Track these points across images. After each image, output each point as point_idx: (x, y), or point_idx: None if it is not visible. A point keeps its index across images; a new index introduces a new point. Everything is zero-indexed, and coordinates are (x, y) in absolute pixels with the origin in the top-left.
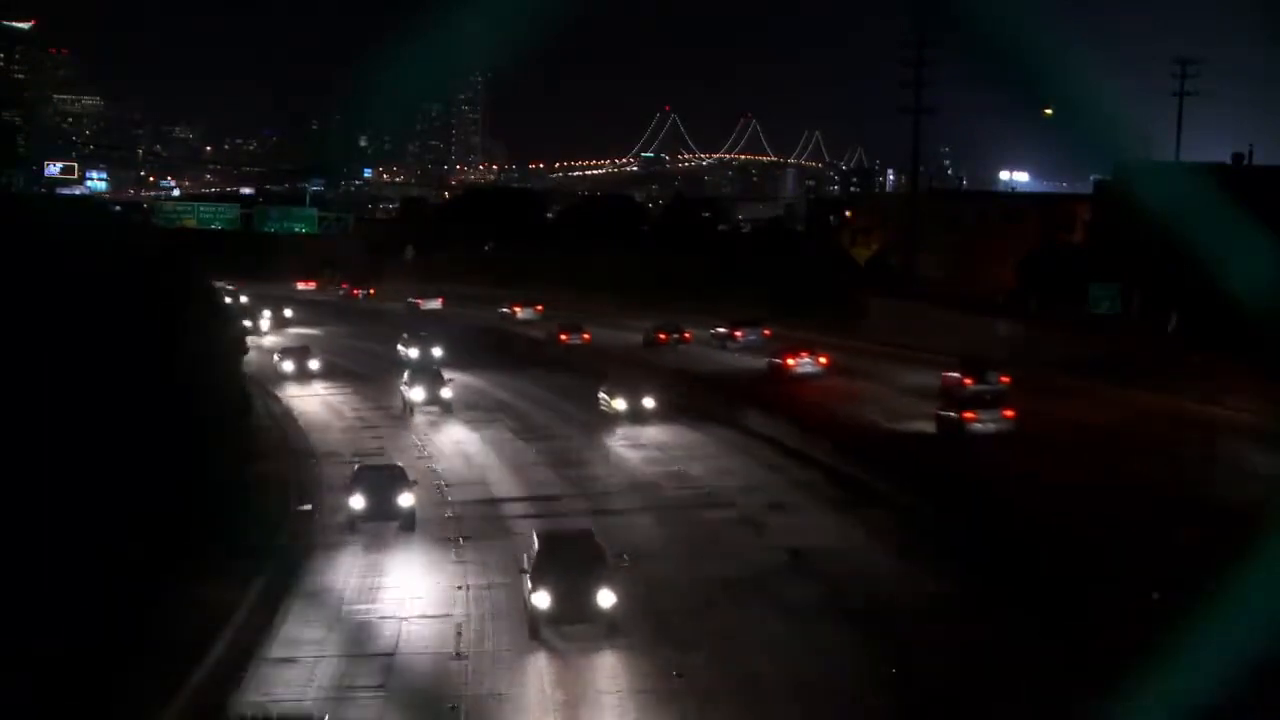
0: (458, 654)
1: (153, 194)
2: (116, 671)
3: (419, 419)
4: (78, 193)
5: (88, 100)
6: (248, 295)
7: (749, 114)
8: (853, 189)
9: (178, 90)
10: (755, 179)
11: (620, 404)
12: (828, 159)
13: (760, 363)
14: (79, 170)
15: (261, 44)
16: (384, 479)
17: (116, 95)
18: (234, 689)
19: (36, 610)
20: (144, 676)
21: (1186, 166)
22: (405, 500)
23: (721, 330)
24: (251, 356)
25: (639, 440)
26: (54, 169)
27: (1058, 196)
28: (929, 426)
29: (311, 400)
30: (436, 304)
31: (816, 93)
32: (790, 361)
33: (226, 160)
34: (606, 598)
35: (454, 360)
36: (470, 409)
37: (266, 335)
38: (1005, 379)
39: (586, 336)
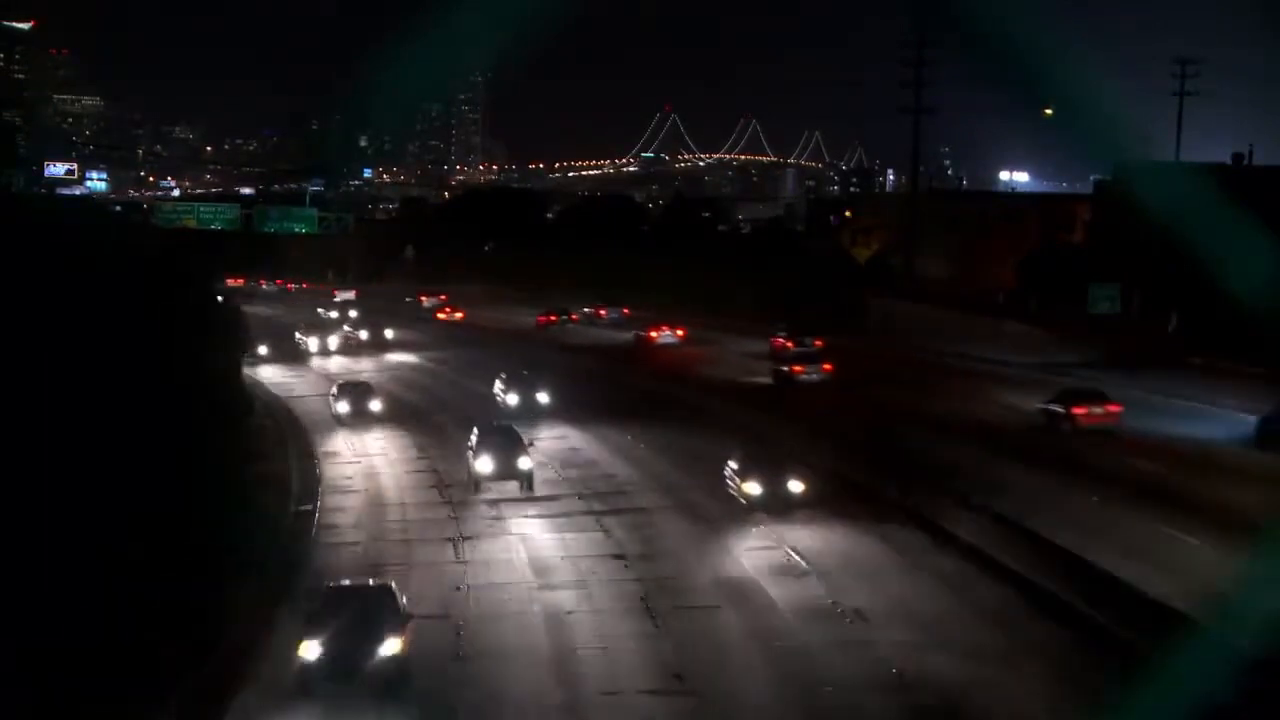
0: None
1: (153, 194)
2: (116, 671)
3: (484, 502)
4: (78, 193)
5: (88, 100)
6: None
7: (749, 114)
8: (853, 189)
9: (178, 90)
10: (755, 179)
11: (754, 489)
12: (828, 159)
13: (625, 335)
14: (79, 170)
15: (261, 44)
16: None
17: (116, 95)
18: (236, 689)
19: (37, 610)
20: (144, 677)
21: (1186, 166)
22: None
23: (587, 310)
24: (302, 387)
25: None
26: (54, 169)
27: (1058, 196)
28: (767, 379)
29: (352, 465)
30: (458, 316)
31: (816, 93)
32: (653, 334)
33: (226, 160)
34: None
35: (561, 408)
36: (559, 483)
37: (333, 354)
38: (819, 342)
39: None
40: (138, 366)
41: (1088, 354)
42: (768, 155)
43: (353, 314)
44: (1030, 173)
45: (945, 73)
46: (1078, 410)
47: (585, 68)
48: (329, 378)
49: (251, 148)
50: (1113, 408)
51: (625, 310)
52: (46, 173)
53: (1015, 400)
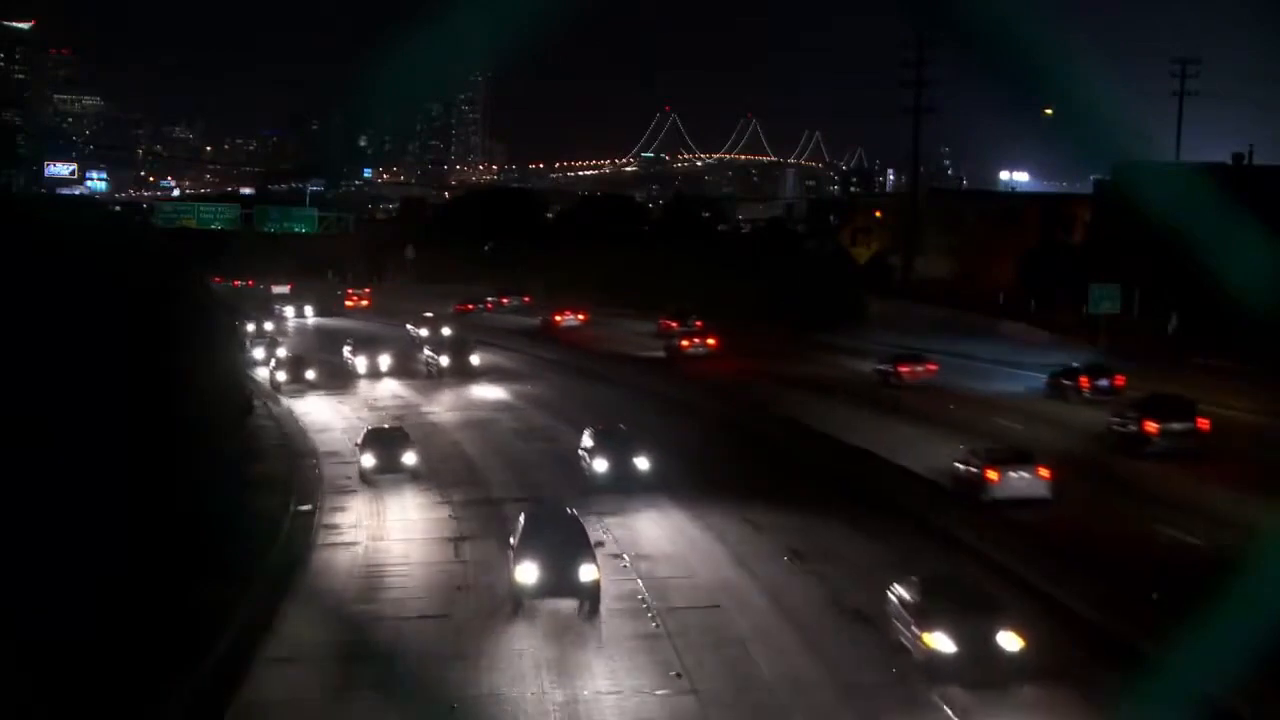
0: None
1: (153, 194)
2: (116, 671)
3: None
4: (78, 193)
5: (88, 100)
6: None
7: (749, 114)
8: (853, 189)
9: (178, 90)
10: (755, 179)
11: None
12: (828, 159)
13: (531, 320)
14: (79, 170)
15: (262, 44)
16: None
17: (116, 95)
18: (234, 689)
19: (37, 610)
20: (144, 676)
21: (1186, 166)
22: None
23: (491, 299)
24: (335, 419)
25: None
26: (55, 169)
27: (1058, 196)
28: (660, 353)
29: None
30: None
31: (816, 93)
32: (558, 318)
33: (226, 160)
34: None
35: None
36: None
37: (385, 376)
38: (699, 323)
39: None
40: (137, 366)
41: (1087, 354)
42: (768, 155)
43: (445, 332)
44: (1030, 173)
45: (945, 73)
46: (903, 369)
47: (585, 68)
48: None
49: (251, 148)
50: (931, 367)
51: (526, 299)
52: (46, 173)
53: (862, 366)
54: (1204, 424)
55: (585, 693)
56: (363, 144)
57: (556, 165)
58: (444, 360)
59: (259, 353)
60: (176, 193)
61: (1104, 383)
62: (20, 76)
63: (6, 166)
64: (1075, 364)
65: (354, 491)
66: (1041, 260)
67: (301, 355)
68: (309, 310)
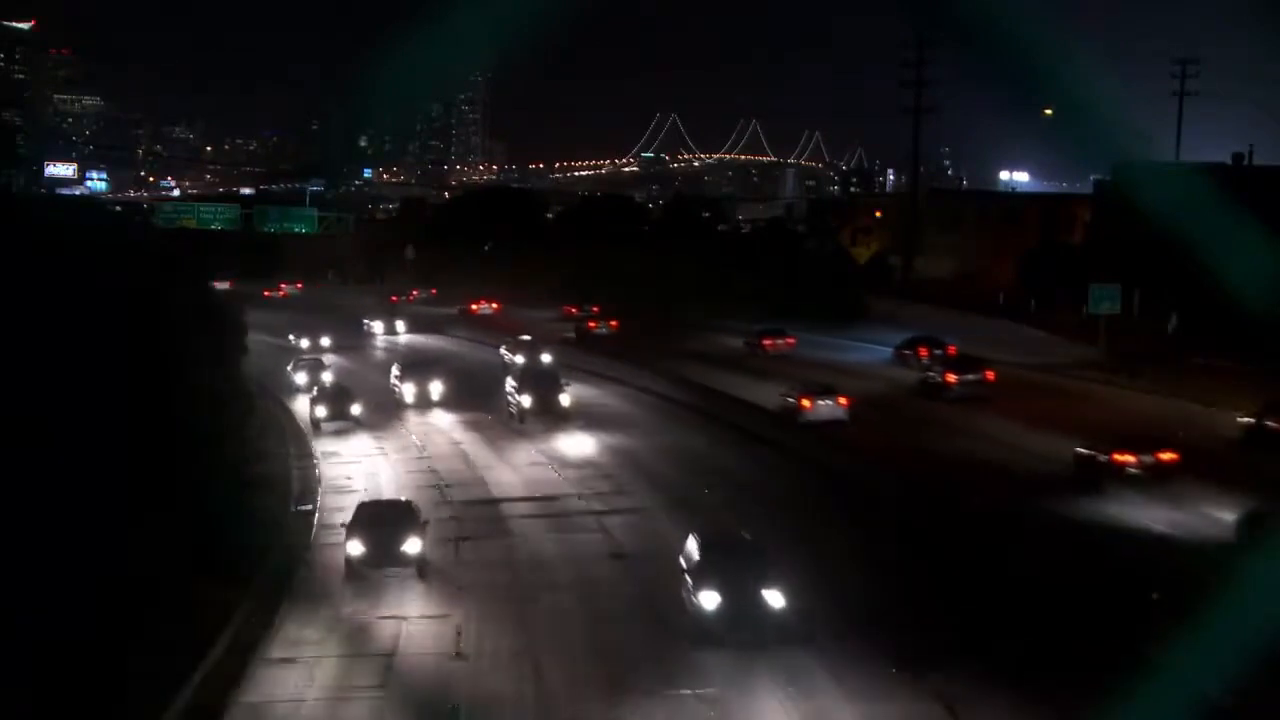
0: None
1: (153, 194)
2: (116, 671)
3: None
4: (78, 193)
5: (88, 100)
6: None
7: (749, 114)
8: (853, 189)
9: (178, 90)
10: (755, 179)
11: (527, 401)
12: (828, 159)
13: (447, 310)
14: (79, 170)
15: (262, 44)
16: None
17: (116, 95)
18: (234, 688)
19: (36, 611)
20: (144, 676)
21: (1186, 166)
22: None
23: (398, 297)
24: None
25: None
26: (55, 169)
27: (1058, 196)
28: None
29: None
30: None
31: (816, 93)
32: (474, 307)
33: (226, 160)
34: None
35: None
36: None
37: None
38: (595, 308)
39: None
40: (137, 367)
41: (1087, 353)
42: (768, 155)
43: (545, 359)
44: (1030, 173)
45: (945, 73)
46: (765, 341)
47: (585, 68)
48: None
49: (251, 148)
50: (790, 340)
51: (433, 290)
52: (46, 173)
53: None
54: (990, 376)
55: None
56: (363, 144)
57: (556, 165)
58: (525, 401)
59: (300, 377)
60: (176, 193)
61: (939, 352)
62: (20, 76)
63: (6, 166)
64: (915, 336)
65: (354, 491)
66: (1041, 260)
67: (346, 386)
68: (401, 326)
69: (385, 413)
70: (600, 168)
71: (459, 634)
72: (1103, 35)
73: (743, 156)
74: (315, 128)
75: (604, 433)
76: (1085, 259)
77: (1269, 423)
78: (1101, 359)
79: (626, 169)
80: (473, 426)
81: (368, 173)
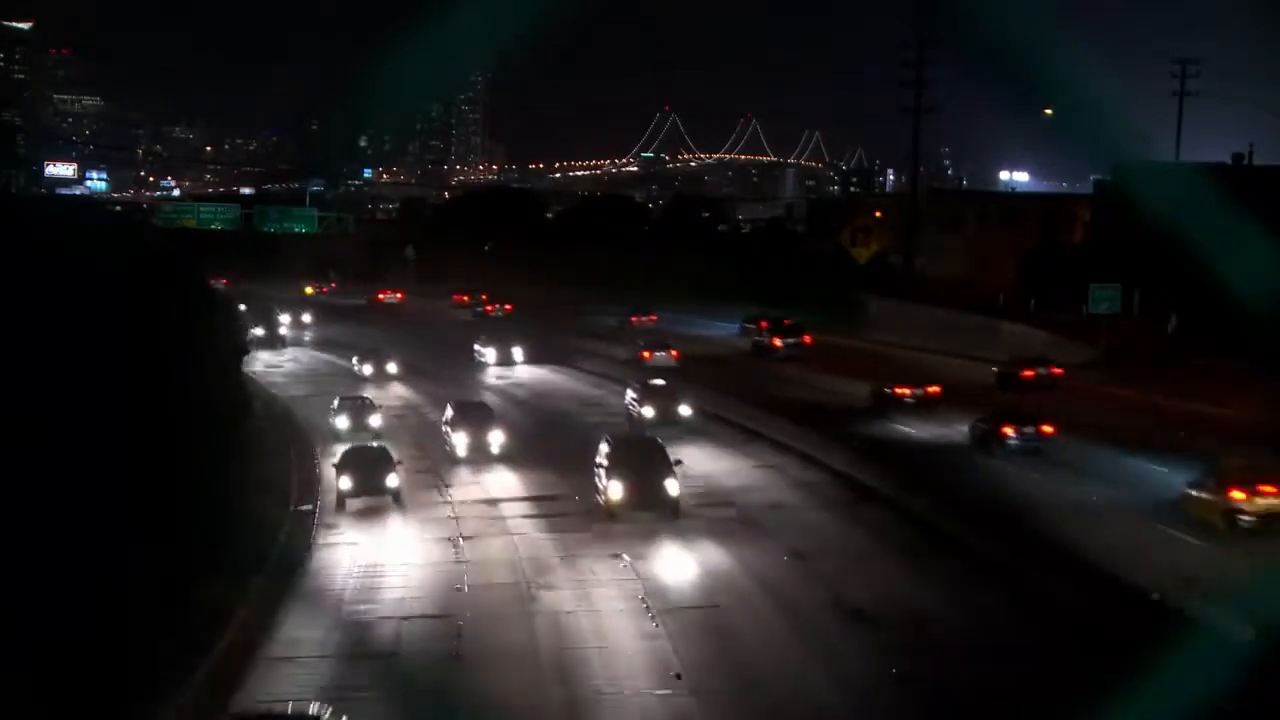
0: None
1: (153, 194)
2: (116, 671)
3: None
4: (78, 193)
5: (88, 100)
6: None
7: (749, 114)
8: (853, 189)
9: (178, 90)
10: (755, 179)
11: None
12: (828, 159)
13: (359, 300)
14: (79, 170)
15: (262, 44)
16: None
17: (116, 95)
18: (234, 689)
19: (37, 611)
20: (144, 676)
21: (1186, 166)
22: None
23: (311, 289)
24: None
25: None
26: (55, 169)
27: (1058, 196)
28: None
29: None
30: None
31: (816, 93)
32: (381, 296)
33: (226, 160)
34: None
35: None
36: None
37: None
38: (484, 295)
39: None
40: (137, 367)
41: (1086, 353)
42: (768, 155)
43: (684, 414)
44: (1030, 173)
45: (945, 73)
46: (632, 319)
47: (585, 68)
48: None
49: (251, 148)
50: (653, 317)
51: (334, 285)
52: (46, 173)
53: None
54: (808, 340)
55: (587, 692)
56: (363, 144)
57: (556, 165)
58: (647, 410)
59: (342, 422)
60: (176, 193)
61: (772, 324)
62: (20, 76)
63: (6, 166)
64: (756, 313)
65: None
66: (1041, 260)
67: (381, 449)
68: (518, 354)
69: (430, 466)
70: (600, 168)
71: (459, 634)
72: (1103, 35)
73: (743, 156)
74: (315, 128)
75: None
76: (1085, 259)
77: (1010, 371)
78: (1100, 359)
79: (627, 169)
80: (540, 507)
81: (368, 173)
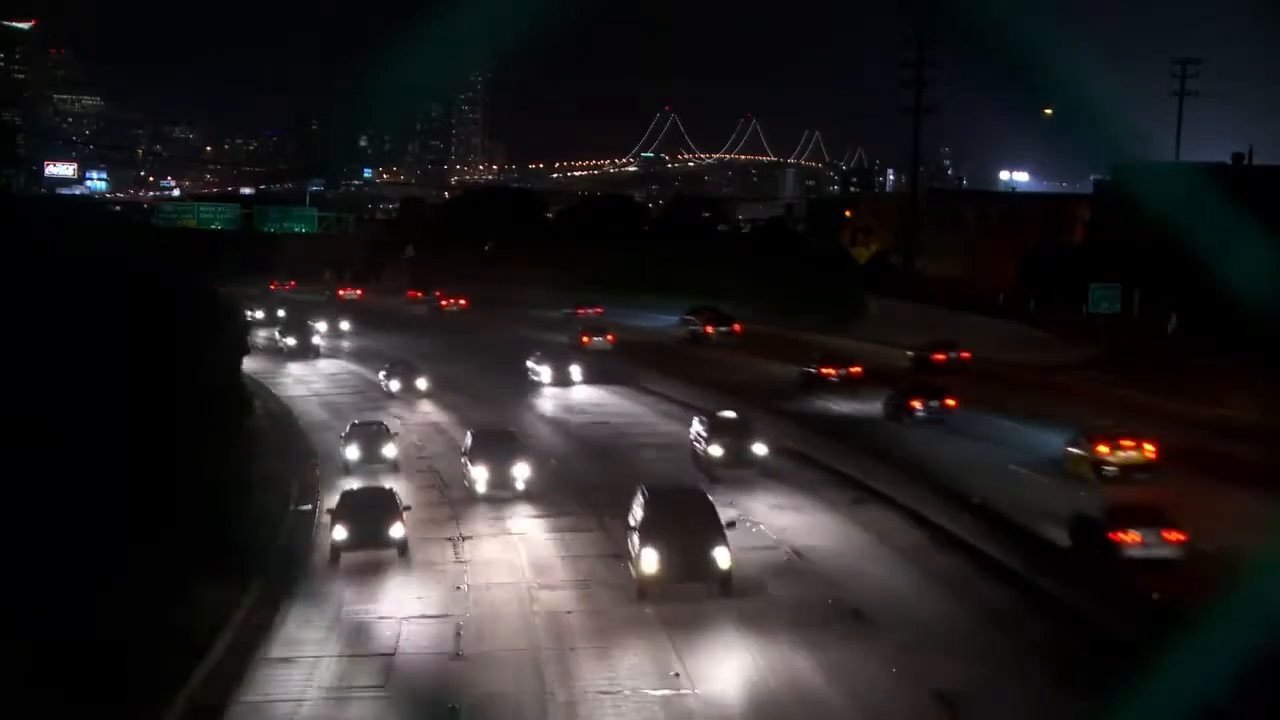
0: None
1: (153, 194)
2: (116, 671)
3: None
4: (78, 193)
5: (88, 100)
6: None
7: (749, 114)
8: (853, 189)
9: (178, 90)
10: (755, 179)
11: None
12: (828, 159)
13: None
14: (79, 170)
15: (262, 44)
16: None
17: (116, 95)
18: (234, 689)
19: (37, 610)
20: (144, 676)
21: (1186, 166)
22: None
23: (275, 286)
24: None
25: None
26: (55, 169)
27: (1058, 196)
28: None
29: None
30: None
31: (816, 93)
32: (342, 292)
33: (226, 160)
34: None
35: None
36: None
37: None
38: (438, 292)
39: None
40: (136, 367)
41: (1086, 353)
42: (768, 155)
43: (760, 453)
44: (1030, 173)
45: (945, 73)
46: (579, 310)
47: (585, 68)
48: None
49: (251, 148)
50: (599, 309)
51: (293, 283)
52: (46, 173)
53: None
54: (739, 328)
55: (587, 692)
56: (363, 144)
57: (556, 165)
58: (715, 451)
59: (353, 452)
60: (177, 193)
61: (707, 315)
62: (20, 76)
63: (6, 166)
64: (695, 306)
65: None
66: (1041, 260)
67: (386, 491)
68: (576, 372)
69: (450, 512)
70: (600, 168)
71: (458, 634)
72: (1103, 35)
73: (743, 156)
74: (315, 128)
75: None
76: (1085, 259)
77: (923, 355)
78: (1100, 359)
79: (627, 169)
80: (569, 570)
81: (368, 173)
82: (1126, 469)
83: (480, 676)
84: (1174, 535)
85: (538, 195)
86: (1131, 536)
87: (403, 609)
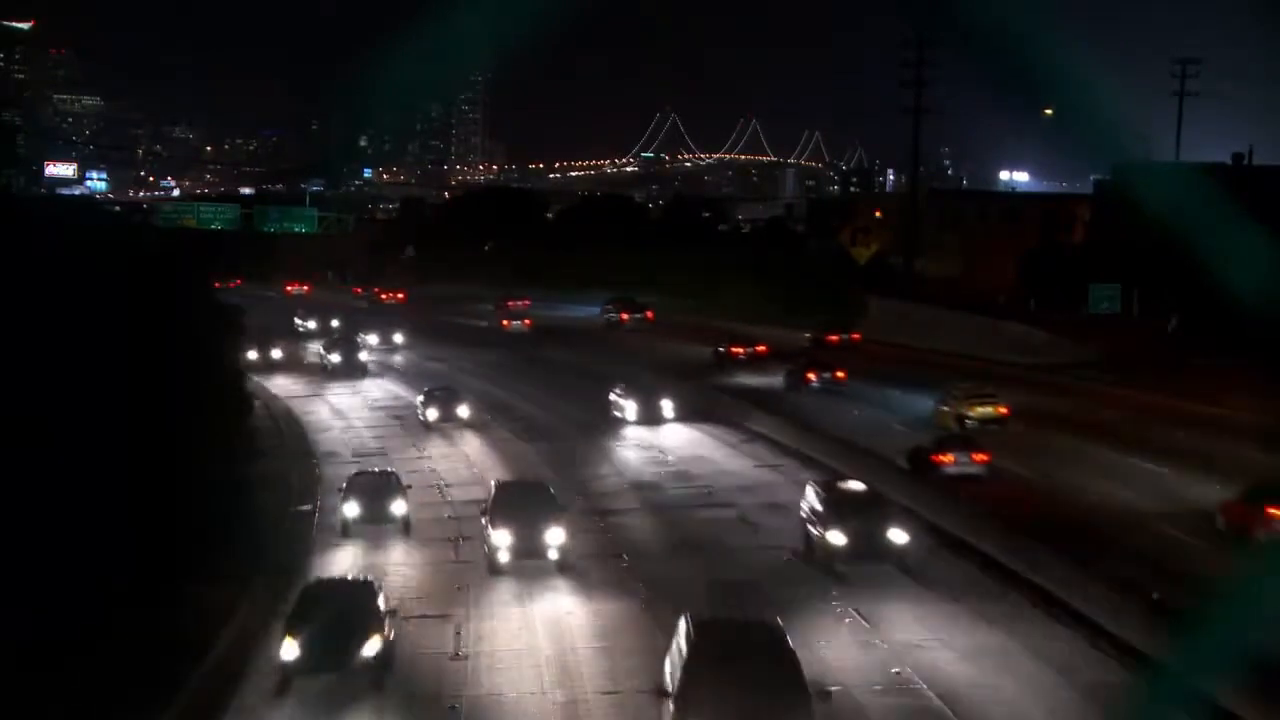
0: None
1: (153, 194)
2: (115, 671)
3: None
4: (78, 193)
5: (88, 100)
6: None
7: (749, 114)
8: (853, 189)
9: (178, 90)
10: (755, 179)
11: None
12: (828, 159)
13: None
14: (79, 170)
15: (261, 44)
16: None
17: (116, 95)
18: (234, 689)
19: (36, 610)
20: (143, 676)
21: (1186, 166)
22: None
23: (237, 284)
24: None
25: None
26: (55, 169)
27: (1058, 196)
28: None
29: None
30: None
31: (816, 93)
32: (289, 288)
33: (226, 160)
34: None
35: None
36: None
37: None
38: (376, 289)
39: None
40: (136, 367)
41: (1086, 353)
42: (768, 155)
43: (899, 541)
44: (1030, 173)
45: (945, 72)
46: (508, 303)
47: (585, 68)
48: None
49: (251, 148)
50: (526, 301)
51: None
52: (46, 173)
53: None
54: (650, 316)
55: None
56: (363, 144)
57: (556, 165)
58: (834, 537)
59: (351, 509)
60: (177, 193)
61: (623, 304)
62: (20, 76)
63: (6, 166)
64: (613, 297)
65: None
66: (1041, 260)
67: (368, 584)
68: (668, 409)
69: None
70: (600, 168)
71: (458, 634)
72: (1103, 35)
73: (743, 156)
74: (315, 128)
75: None
76: (1085, 259)
77: (819, 336)
78: (1100, 359)
79: (627, 169)
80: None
81: (368, 173)
82: (983, 422)
83: None
84: (980, 456)
85: (538, 195)
86: (948, 457)
87: (403, 609)
